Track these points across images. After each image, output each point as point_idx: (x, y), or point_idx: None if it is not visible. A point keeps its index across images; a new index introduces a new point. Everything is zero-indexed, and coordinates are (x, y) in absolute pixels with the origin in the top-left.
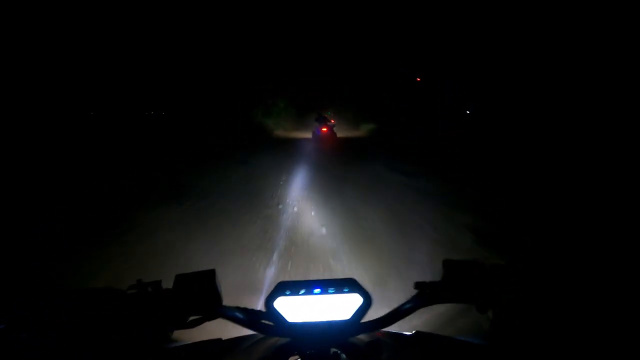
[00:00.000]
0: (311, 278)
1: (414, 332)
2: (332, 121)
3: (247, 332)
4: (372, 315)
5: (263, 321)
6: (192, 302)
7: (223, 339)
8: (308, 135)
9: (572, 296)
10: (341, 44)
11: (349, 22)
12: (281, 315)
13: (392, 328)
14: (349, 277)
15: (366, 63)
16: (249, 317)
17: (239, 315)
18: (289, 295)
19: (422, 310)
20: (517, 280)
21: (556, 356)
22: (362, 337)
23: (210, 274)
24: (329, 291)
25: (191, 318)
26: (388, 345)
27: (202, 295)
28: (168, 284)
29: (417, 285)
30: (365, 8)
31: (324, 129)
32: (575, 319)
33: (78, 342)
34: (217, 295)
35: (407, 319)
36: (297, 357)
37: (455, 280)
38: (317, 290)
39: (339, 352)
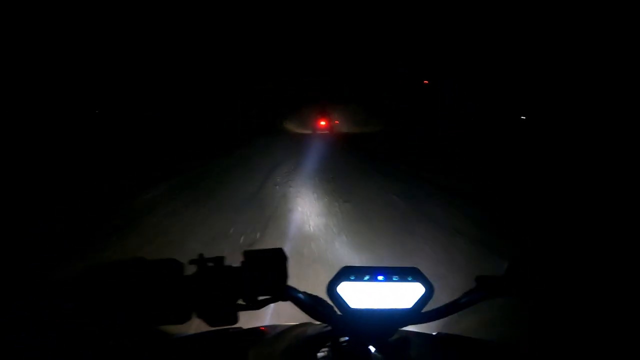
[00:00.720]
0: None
1: (435, 333)
2: (337, 122)
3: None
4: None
5: (324, 307)
6: (262, 281)
7: (282, 322)
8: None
9: (604, 297)
10: (348, 48)
11: (358, 24)
12: (344, 300)
13: (415, 327)
14: (412, 266)
15: (374, 65)
16: (312, 301)
17: (303, 298)
18: (352, 280)
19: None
20: (582, 282)
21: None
22: (418, 326)
23: (279, 252)
24: (393, 279)
25: (260, 298)
26: (413, 343)
27: (271, 274)
28: (232, 261)
29: (478, 278)
30: (375, 10)
31: (322, 122)
32: (607, 320)
33: (118, 316)
34: (285, 276)
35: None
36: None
37: (517, 276)
38: (380, 278)
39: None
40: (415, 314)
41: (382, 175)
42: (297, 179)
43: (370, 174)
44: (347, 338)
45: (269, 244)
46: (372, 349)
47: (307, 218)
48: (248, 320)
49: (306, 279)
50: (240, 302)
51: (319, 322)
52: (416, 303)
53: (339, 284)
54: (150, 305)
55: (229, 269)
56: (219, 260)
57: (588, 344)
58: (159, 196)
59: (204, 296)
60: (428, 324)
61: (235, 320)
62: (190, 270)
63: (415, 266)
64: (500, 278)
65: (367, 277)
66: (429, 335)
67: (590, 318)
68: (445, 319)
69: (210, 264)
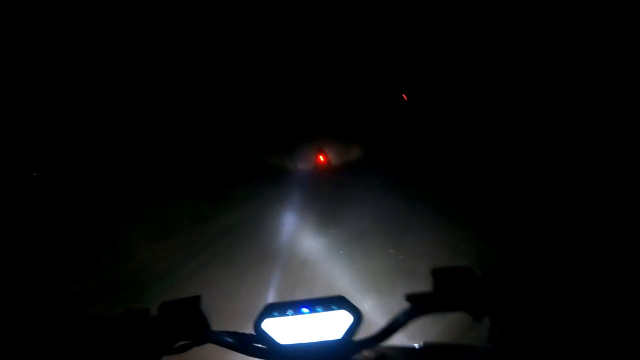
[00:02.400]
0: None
1: (422, 343)
2: (328, 155)
3: (239, 357)
4: (368, 329)
5: (253, 344)
6: (179, 327)
7: None
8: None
9: (569, 296)
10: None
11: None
12: (271, 337)
13: (399, 342)
14: (337, 294)
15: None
16: (238, 341)
17: (229, 339)
18: (277, 316)
19: (430, 321)
20: (511, 283)
21: (560, 357)
22: (366, 353)
23: (196, 300)
24: (317, 310)
25: (179, 344)
26: None
27: (188, 320)
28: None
29: (408, 297)
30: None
31: (321, 158)
32: (574, 319)
33: None
34: (204, 320)
35: (416, 330)
36: None
37: (446, 289)
38: (305, 310)
39: None
40: (346, 343)
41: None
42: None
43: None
44: None
45: None
46: None
47: None
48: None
49: None
50: (161, 349)
51: None
52: (345, 333)
53: (262, 321)
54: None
55: (151, 319)
56: (144, 311)
57: (571, 346)
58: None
59: (126, 346)
60: (413, 335)
61: None
62: (118, 322)
63: (340, 294)
64: (428, 294)
65: (290, 312)
66: (413, 349)
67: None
68: (432, 328)
69: (136, 316)
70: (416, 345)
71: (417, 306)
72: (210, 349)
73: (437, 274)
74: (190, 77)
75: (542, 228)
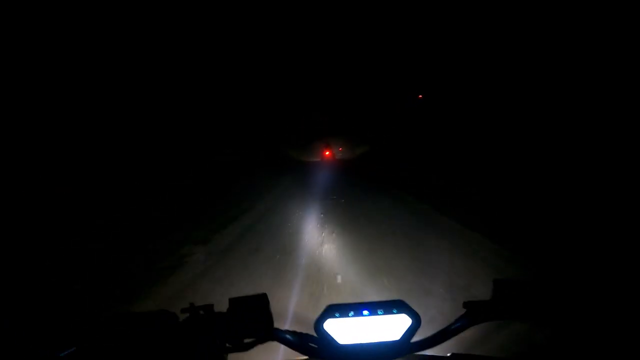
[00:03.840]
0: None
1: (449, 354)
2: (340, 149)
3: (298, 355)
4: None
5: (313, 344)
6: (247, 325)
7: None
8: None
9: (627, 313)
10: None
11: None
12: (331, 337)
13: (428, 351)
14: (397, 298)
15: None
16: (299, 340)
17: (291, 338)
18: (338, 317)
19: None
20: (570, 297)
21: None
22: (408, 358)
23: (263, 298)
24: (378, 312)
25: (246, 341)
26: None
27: (256, 318)
28: (219, 307)
29: (466, 304)
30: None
31: (327, 152)
32: (631, 338)
33: None
34: (269, 318)
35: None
36: None
37: (505, 298)
38: (365, 312)
39: None
40: (404, 345)
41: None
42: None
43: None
44: None
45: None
46: None
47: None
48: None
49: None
50: (229, 345)
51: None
52: (404, 334)
53: (324, 321)
54: (146, 355)
55: (217, 315)
56: (209, 307)
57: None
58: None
59: (194, 342)
60: (449, 342)
61: None
62: (183, 318)
63: (400, 298)
64: (488, 302)
65: (351, 313)
66: (441, 358)
67: (594, 331)
68: (461, 341)
69: (201, 312)
70: (444, 355)
71: (474, 314)
72: (271, 346)
73: (498, 284)
74: (204, 78)
75: (602, 242)
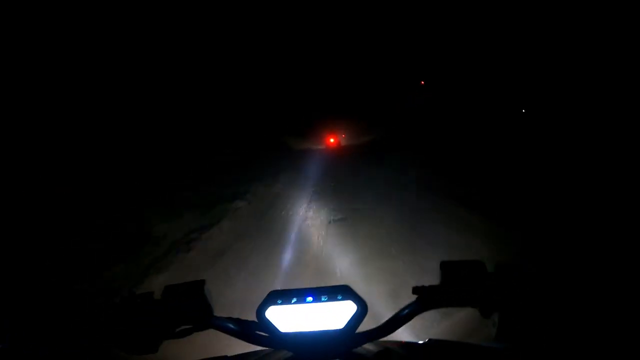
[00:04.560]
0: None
1: (427, 339)
2: (343, 135)
3: (241, 344)
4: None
5: (255, 332)
6: (182, 312)
7: (229, 355)
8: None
9: (582, 295)
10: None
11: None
12: (273, 325)
13: (404, 337)
14: (342, 284)
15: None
16: (240, 328)
17: (231, 325)
18: (280, 304)
19: (438, 317)
20: (523, 280)
21: (570, 357)
22: (369, 346)
23: (200, 284)
24: (322, 299)
25: (180, 328)
26: (398, 355)
27: (191, 305)
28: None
29: (415, 289)
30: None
31: (331, 140)
32: (586, 318)
33: (70, 354)
34: (207, 306)
35: (423, 327)
36: None
37: (455, 283)
38: (309, 299)
39: None
40: (348, 334)
41: None
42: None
43: None
44: None
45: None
46: None
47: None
48: (182, 352)
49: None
50: (164, 333)
51: (254, 349)
52: (348, 322)
53: (266, 308)
54: (83, 345)
55: (155, 303)
56: (148, 295)
57: (578, 345)
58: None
59: (129, 330)
60: (420, 330)
61: (155, 350)
62: (121, 306)
63: (345, 284)
64: (436, 287)
65: (294, 300)
66: (417, 345)
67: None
68: (438, 324)
69: (140, 299)
70: (421, 341)
71: (424, 300)
72: (212, 334)
73: (446, 267)
74: (204, 79)
75: (558, 223)
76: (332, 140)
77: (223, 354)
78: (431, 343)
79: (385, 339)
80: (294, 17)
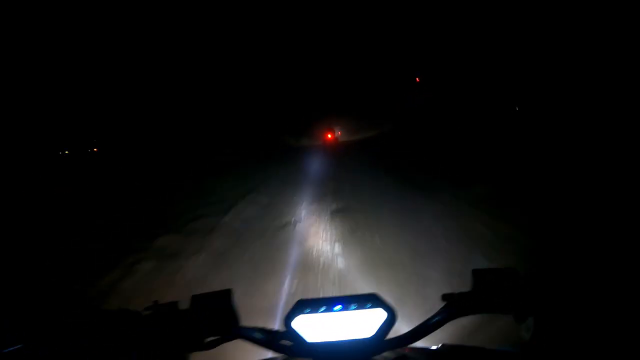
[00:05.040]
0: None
1: (440, 345)
2: (339, 133)
3: (267, 354)
4: (398, 330)
5: (282, 342)
6: (209, 322)
7: None
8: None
9: (611, 305)
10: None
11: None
12: (300, 335)
13: (418, 343)
14: (371, 292)
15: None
16: (267, 337)
17: (257, 335)
18: (308, 313)
19: (447, 323)
20: (553, 287)
21: None
22: (387, 354)
23: (226, 294)
24: (351, 307)
25: (209, 339)
26: None
27: (218, 315)
28: (185, 305)
29: (445, 297)
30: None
31: (329, 135)
32: (615, 330)
33: None
34: (234, 315)
35: (434, 333)
36: None
37: (487, 290)
38: (337, 307)
39: None
40: (378, 342)
41: None
42: None
43: None
44: None
45: None
46: None
47: None
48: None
49: None
50: (192, 344)
51: (281, 357)
52: (378, 330)
53: (294, 318)
54: (107, 354)
55: (180, 313)
56: (172, 305)
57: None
58: None
59: (156, 341)
60: (432, 337)
61: None
62: (146, 316)
63: (374, 292)
64: (467, 294)
65: (323, 309)
66: (432, 350)
67: (582, 323)
68: (453, 332)
69: (164, 309)
70: (434, 347)
71: (454, 307)
72: (238, 344)
73: (478, 275)
74: (204, 79)
75: (590, 230)
76: (329, 136)
77: None
78: (445, 348)
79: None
80: (295, 18)
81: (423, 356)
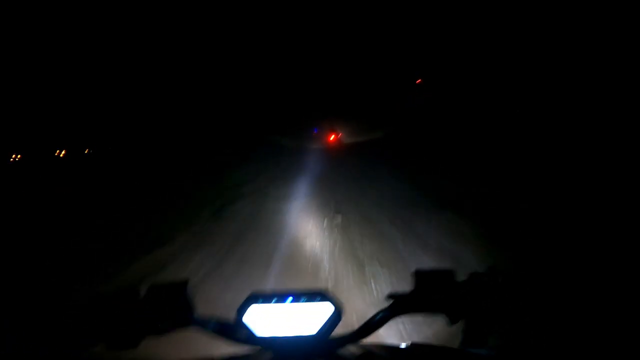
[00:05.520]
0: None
1: (409, 343)
2: (340, 133)
3: (221, 344)
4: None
5: (235, 332)
6: (164, 309)
7: (190, 354)
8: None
9: (555, 299)
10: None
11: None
12: (249, 328)
13: (387, 340)
14: (321, 288)
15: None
16: (220, 328)
17: (211, 324)
18: (260, 302)
19: (423, 321)
20: (493, 287)
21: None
22: (351, 348)
23: (183, 284)
24: (301, 300)
25: (163, 325)
26: (380, 358)
27: (174, 303)
28: (144, 292)
29: (390, 296)
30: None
31: (332, 137)
32: (560, 322)
33: (56, 350)
34: (189, 304)
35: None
36: None
37: (426, 290)
38: (288, 300)
39: None
40: (323, 337)
41: None
42: None
43: None
44: None
45: None
46: None
47: None
48: (162, 351)
49: None
50: (147, 329)
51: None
52: (323, 326)
53: (246, 309)
54: (66, 341)
55: (138, 300)
56: (134, 292)
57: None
58: None
59: (111, 326)
60: (370, 335)
61: (135, 345)
62: (104, 301)
63: (324, 288)
64: (408, 294)
65: (274, 300)
66: (399, 348)
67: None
68: (424, 328)
69: (124, 296)
70: (403, 345)
71: (397, 306)
72: (194, 333)
73: (418, 276)
74: (204, 80)
75: (536, 229)
76: (332, 138)
77: (208, 354)
78: (413, 346)
79: (366, 341)
80: (295, 19)
81: (389, 353)
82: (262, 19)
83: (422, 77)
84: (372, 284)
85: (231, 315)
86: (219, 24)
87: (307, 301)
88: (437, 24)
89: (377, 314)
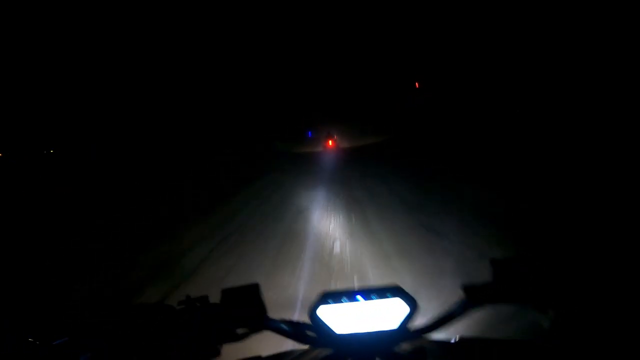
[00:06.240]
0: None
1: (457, 337)
2: (335, 137)
3: (292, 345)
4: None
5: (307, 333)
6: (238, 314)
7: (264, 354)
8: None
9: (634, 293)
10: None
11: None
12: (327, 326)
13: (435, 335)
14: (393, 284)
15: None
16: (292, 329)
17: (284, 326)
18: (331, 303)
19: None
20: (574, 276)
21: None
22: (405, 345)
23: (255, 288)
24: (372, 297)
25: (239, 331)
26: (432, 353)
27: (248, 308)
28: (215, 299)
29: (465, 287)
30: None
31: (330, 142)
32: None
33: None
34: (262, 308)
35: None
36: None
37: (506, 280)
38: (359, 298)
39: None
40: (400, 333)
41: None
42: None
43: None
44: None
45: None
46: None
47: None
48: (236, 353)
49: None
50: (223, 336)
51: (306, 348)
52: (401, 322)
53: (318, 308)
54: (143, 347)
55: (212, 307)
56: (204, 299)
57: (600, 341)
58: None
59: (188, 334)
60: (449, 328)
61: (218, 354)
62: (179, 311)
63: (396, 284)
64: (487, 285)
65: (345, 299)
66: (450, 343)
67: (592, 315)
68: (467, 322)
69: (197, 303)
70: (452, 340)
71: (474, 298)
72: (265, 336)
73: (496, 265)
74: (205, 80)
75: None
76: (330, 143)
77: (285, 356)
78: (463, 340)
79: (448, 333)
80: (295, 20)
81: (441, 348)
82: (262, 19)
83: (422, 78)
84: None
85: (299, 317)
86: (219, 24)
87: (378, 298)
88: (437, 24)
89: (453, 305)
